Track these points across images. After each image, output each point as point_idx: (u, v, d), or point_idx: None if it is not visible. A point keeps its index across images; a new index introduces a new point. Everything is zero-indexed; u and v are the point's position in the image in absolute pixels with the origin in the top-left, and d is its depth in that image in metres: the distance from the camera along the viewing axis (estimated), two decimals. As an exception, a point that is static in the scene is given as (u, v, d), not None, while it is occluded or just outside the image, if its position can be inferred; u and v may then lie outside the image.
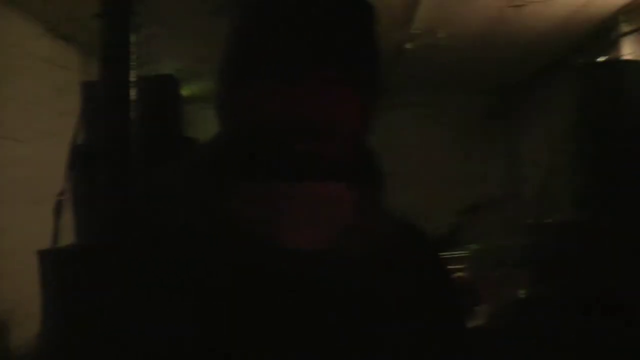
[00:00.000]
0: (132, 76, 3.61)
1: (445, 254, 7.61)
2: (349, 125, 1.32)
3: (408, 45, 9.58)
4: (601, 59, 6.14)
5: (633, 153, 4.38)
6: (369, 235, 1.34)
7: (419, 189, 13.74)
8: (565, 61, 9.90)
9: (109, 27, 3.68)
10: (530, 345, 4.54)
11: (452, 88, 13.59)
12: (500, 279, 7.66)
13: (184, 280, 1.24)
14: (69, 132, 5.34)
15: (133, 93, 3.63)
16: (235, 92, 1.34)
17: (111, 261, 1.30)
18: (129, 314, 1.22)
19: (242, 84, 1.32)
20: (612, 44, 8.68)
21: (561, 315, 4.32)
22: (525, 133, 13.86)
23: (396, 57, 10.70)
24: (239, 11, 1.37)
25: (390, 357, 1.30)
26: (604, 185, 4.48)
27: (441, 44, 8.82)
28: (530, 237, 9.33)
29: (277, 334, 1.24)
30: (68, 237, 4.63)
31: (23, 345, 6.01)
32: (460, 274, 8.63)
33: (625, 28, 8.49)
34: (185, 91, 5.23)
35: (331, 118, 1.28)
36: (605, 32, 8.95)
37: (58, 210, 5.27)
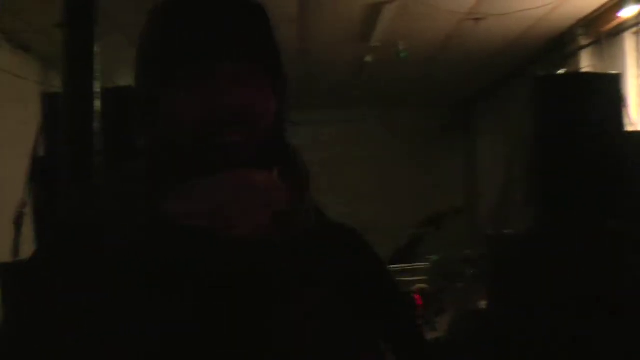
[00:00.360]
0: (96, 87, 3.59)
1: (405, 265, 7.60)
2: (266, 113, 1.36)
3: (367, 59, 9.63)
4: (559, 71, 6.21)
5: (588, 165, 4.42)
6: (303, 219, 1.38)
7: (377, 200, 13.80)
8: (523, 74, 10.00)
9: (72, 38, 3.65)
10: (489, 356, 4.56)
11: (411, 100, 13.66)
12: (460, 290, 7.70)
13: (130, 283, 1.25)
14: (29, 143, 5.31)
15: (96, 105, 3.61)
16: (153, 93, 1.37)
17: (54, 273, 1.31)
18: (77, 325, 1.22)
19: (158, 85, 1.35)
20: (570, 57, 8.78)
21: (520, 326, 4.34)
22: (483, 145, 13.97)
23: (356, 70, 10.76)
24: (149, 17, 1.41)
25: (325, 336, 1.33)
26: (558, 197, 4.52)
27: (400, 57, 8.87)
28: (489, 248, 9.40)
29: (220, 322, 1.27)
30: (29, 250, 4.58)
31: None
32: (421, 285, 8.66)
33: (583, 41, 8.59)
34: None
35: (248, 107, 1.31)
36: (563, 45, 9.06)
37: (18, 222, 5.22)
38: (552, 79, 5.29)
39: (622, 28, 7.93)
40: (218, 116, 1.29)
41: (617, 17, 7.82)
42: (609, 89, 4.61)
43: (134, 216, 1.32)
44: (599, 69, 8.07)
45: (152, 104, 1.37)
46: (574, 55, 8.71)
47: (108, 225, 1.33)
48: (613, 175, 4.38)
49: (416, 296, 8.17)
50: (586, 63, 8.48)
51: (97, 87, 3.64)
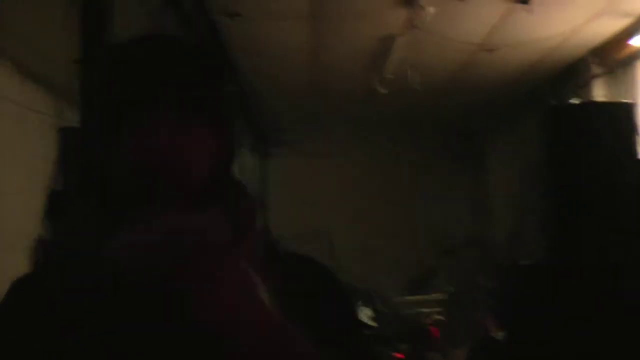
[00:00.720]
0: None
1: (422, 297, 7.59)
2: (202, 159, 1.36)
3: (380, 90, 9.64)
4: (572, 101, 6.21)
5: (602, 195, 4.41)
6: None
7: (388, 230, 13.75)
8: (535, 104, 9.99)
9: (90, 73, 3.68)
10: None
11: (423, 130, 13.66)
12: (477, 321, 7.66)
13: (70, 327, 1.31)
14: (44, 177, 5.32)
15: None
16: (91, 138, 1.40)
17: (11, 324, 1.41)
18: None
19: (96, 130, 1.37)
20: (583, 86, 8.76)
21: (537, 356, 4.32)
22: (496, 174, 13.93)
23: (369, 101, 10.77)
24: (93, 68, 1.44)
25: None
26: (572, 228, 4.50)
27: (413, 88, 8.89)
28: (505, 279, 9.35)
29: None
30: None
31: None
32: (437, 316, 8.64)
33: (595, 70, 8.58)
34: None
35: (180, 154, 1.32)
36: (575, 74, 9.05)
37: (35, 256, 5.23)
38: (564, 108, 5.28)
39: (635, 56, 7.93)
40: (150, 165, 1.30)
41: (630, 46, 7.83)
42: (622, 118, 4.60)
43: (77, 259, 1.38)
44: (612, 97, 8.05)
45: (91, 148, 1.41)
46: (586, 84, 8.69)
47: (54, 270, 1.41)
48: (626, 204, 4.37)
49: (433, 328, 8.15)
50: (599, 92, 8.46)
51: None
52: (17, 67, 8.27)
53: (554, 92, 9.54)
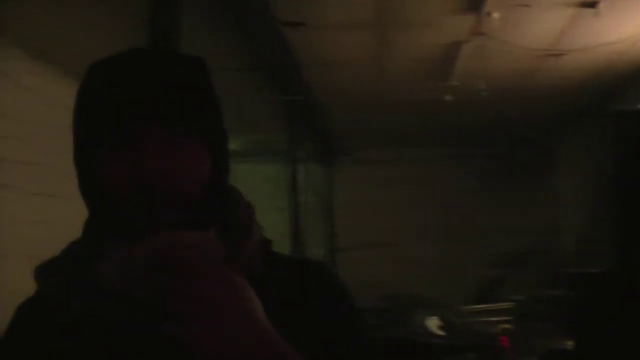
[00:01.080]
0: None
1: (488, 306, 7.51)
2: (195, 175, 1.33)
3: (447, 97, 9.59)
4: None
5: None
6: (239, 272, 1.31)
7: (450, 239, 13.68)
8: (603, 109, 9.86)
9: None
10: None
11: (487, 138, 13.56)
12: (547, 330, 7.56)
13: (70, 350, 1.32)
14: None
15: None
16: (83, 158, 1.37)
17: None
18: None
19: (87, 149, 1.35)
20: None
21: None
22: (562, 182, 13.78)
23: (434, 109, 10.72)
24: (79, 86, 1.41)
25: None
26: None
27: (480, 95, 8.82)
28: (574, 288, 9.22)
29: None
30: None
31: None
32: (505, 325, 8.54)
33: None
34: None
35: (173, 172, 1.29)
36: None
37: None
38: (634, 114, 5.20)
39: None
40: (142, 182, 1.28)
41: None
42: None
43: (74, 281, 1.37)
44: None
45: (84, 168, 1.39)
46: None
47: (53, 294, 1.40)
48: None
49: (502, 337, 8.06)
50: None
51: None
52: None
53: (623, 97, 9.40)
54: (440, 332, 8.97)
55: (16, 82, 6.90)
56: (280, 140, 10.95)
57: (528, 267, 11.98)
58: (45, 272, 1.49)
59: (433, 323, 9.08)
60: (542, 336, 7.62)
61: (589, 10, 6.90)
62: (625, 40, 7.84)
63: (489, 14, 6.90)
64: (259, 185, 11.18)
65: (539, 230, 13.74)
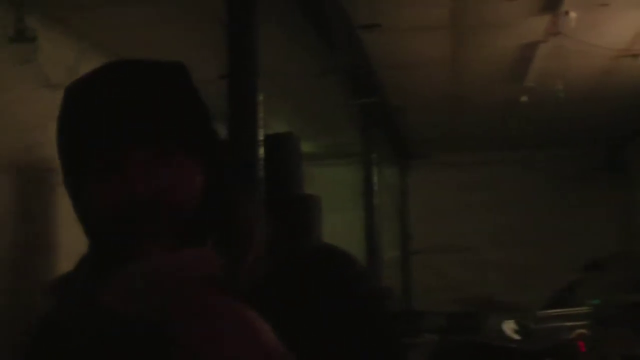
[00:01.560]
0: (260, 135, 3.66)
1: (565, 310, 7.42)
2: (187, 193, 1.30)
3: (523, 99, 9.51)
4: None
5: None
6: (240, 282, 1.28)
7: (527, 244, 13.54)
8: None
9: (236, 88, 3.74)
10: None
11: (564, 140, 13.39)
12: (625, 335, 7.46)
13: None
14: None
15: (260, 152, 3.68)
16: (71, 182, 1.36)
17: None
18: None
19: (74, 174, 1.34)
20: None
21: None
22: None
23: (509, 112, 10.63)
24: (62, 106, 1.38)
25: None
26: None
27: (556, 96, 8.73)
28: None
29: None
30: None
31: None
32: (581, 330, 8.43)
33: None
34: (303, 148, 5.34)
35: (163, 193, 1.26)
36: None
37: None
38: None
39: None
40: (131, 206, 1.26)
41: None
42: None
43: (75, 307, 1.36)
44: None
45: (74, 193, 1.37)
46: None
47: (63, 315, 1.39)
48: None
49: (579, 343, 7.95)
50: None
51: (260, 135, 3.72)
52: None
53: None
54: (516, 337, 8.89)
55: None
56: (355, 143, 10.95)
57: (607, 272, 11.81)
58: (58, 290, 1.48)
59: (509, 327, 9.01)
60: (619, 342, 7.52)
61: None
62: None
63: (566, 13, 6.84)
64: (333, 188, 11.21)
65: (618, 233, 13.54)
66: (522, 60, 8.29)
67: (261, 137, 3.75)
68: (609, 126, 12.46)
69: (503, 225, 13.80)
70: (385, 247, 11.75)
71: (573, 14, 6.81)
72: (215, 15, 4.71)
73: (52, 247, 6.27)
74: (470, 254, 13.57)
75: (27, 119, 5.99)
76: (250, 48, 4.01)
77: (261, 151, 3.75)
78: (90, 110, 1.31)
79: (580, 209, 13.83)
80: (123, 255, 1.27)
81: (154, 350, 1.23)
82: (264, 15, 4.95)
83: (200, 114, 1.38)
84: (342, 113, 10.04)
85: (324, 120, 10.70)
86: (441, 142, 13.12)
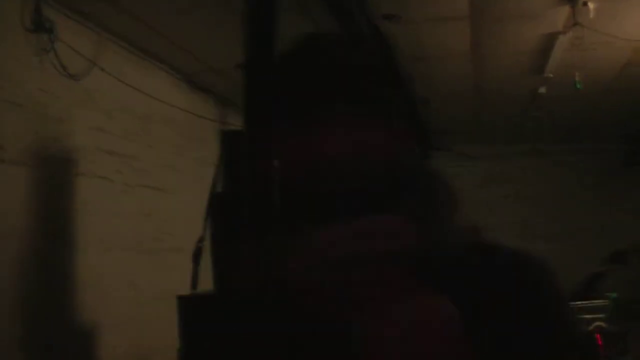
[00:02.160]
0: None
1: (584, 302, 7.44)
2: (379, 158, 1.27)
3: (541, 90, 9.48)
4: None
5: None
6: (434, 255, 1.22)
7: (553, 238, 13.49)
8: None
9: (252, 78, 3.74)
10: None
11: (587, 133, 13.33)
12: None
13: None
14: (207, 179, 5.45)
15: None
16: (259, 138, 1.35)
17: (234, 309, 1.32)
18: None
19: (265, 129, 1.33)
20: None
21: None
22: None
23: (530, 103, 10.59)
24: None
25: None
26: None
27: (576, 87, 8.68)
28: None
29: None
30: (207, 283, 4.71)
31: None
32: (600, 323, 8.41)
33: None
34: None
35: (353, 154, 1.24)
36: None
37: (196, 257, 5.37)
38: None
39: None
40: (323, 165, 1.24)
41: None
42: None
43: (260, 272, 1.29)
44: None
45: (262, 151, 1.35)
46: None
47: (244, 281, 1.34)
48: None
49: (597, 335, 7.94)
50: None
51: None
52: (184, 76, 8.53)
53: None
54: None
55: (118, 77, 7.05)
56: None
57: (629, 265, 11.76)
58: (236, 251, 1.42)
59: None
60: (636, 335, 7.51)
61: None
62: None
63: (584, 4, 6.81)
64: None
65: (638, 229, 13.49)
66: (542, 52, 8.27)
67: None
68: (632, 119, 12.39)
69: (525, 218, 13.77)
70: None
71: (592, 5, 6.78)
72: (236, 4, 4.72)
73: (71, 238, 6.30)
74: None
75: (46, 110, 6.02)
76: (269, 38, 4.00)
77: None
78: (291, 69, 1.35)
79: (604, 203, 13.79)
80: (313, 217, 1.24)
81: (334, 339, 1.18)
82: (285, 5, 4.94)
83: (400, 89, 1.38)
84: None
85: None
86: (462, 134, 13.08)
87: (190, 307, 4.11)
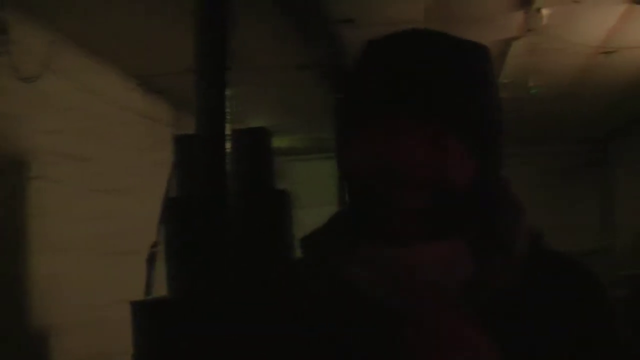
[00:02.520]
0: (227, 129, 3.66)
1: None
2: (457, 178, 1.21)
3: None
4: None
5: None
6: (490, 289, 1.22)
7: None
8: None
9: (205, 82, 3.74)
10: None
11: (542, 137, 13.43)
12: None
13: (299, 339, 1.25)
14: (164, 182, 5.42)
15: (228, 146, 3.68)
16: (340, 141, 1.30)
17: (208, 314, 1.32)
18: None
19: (345, 133, 1.28)
20: None
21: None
22: (623, 182, 13.60)
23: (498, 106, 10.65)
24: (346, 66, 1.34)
25: None
26: None
27: (531, 92, 8.75)
28: (632, 288, 9.12)
29: None
30: (160, 288, 4.69)
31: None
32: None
33: None
34: (276, 143, 5.30)
35: (434, 169, 1.19)
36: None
37: (151, 262, 5.33)
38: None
39: None
40: (392, 173, 1.19)
41: None
42: None
43: (318, 278, 1.30)
44: None
45: (340, 148, 1.31)
46: None
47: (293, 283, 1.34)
48: None
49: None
50: None
51: (228, 129, 3.72)
52: (139, 78, 8.48)
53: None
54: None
55: (73, 79, 6.99)
56: (333, 137, 10.96)
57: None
58: (307, 244, 1.38)
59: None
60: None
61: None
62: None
63: (538, 10, 6.86)
64: (312, 182, 11.21)
65: (597, 230, 13.62)
66: (497, 57, 8.31)
67: (228, 132, 3.75)
68: (590, 122, 12.50)
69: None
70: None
71: (545, 11, 6.83)
72: (189, 6, 4.69)
73: (25, 242, 6.24)
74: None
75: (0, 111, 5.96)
76: (220, 41, 3.99)
77: (228, 146, 3.75)
78: (374, 70, 1.26)
79: (563, 204, 13.89)
80: (378, 226, 1.22)
81: (382, 337, 1.19)
82: (239, 7, 4.93)
83: (488, 99, 1.30)
84: (321, 107, 10.05)
85: (304, 115, 10.69)
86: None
87: (144, 312, 4.09)
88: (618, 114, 11.76)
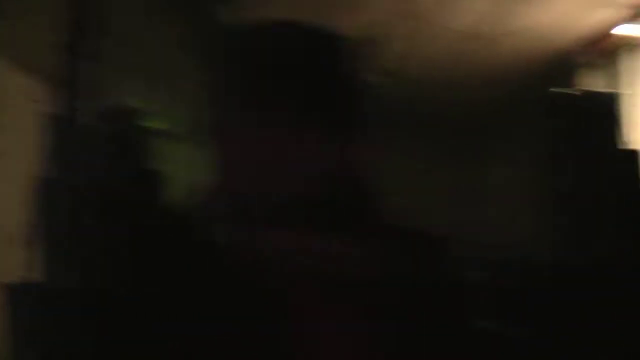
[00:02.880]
0: (96, 108, 3.59)
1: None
2: (321, 166, 1.26)
3: (372, 80, 9.58)
4: (568, 90, 6.15)
5: (610, 185, 4.38)
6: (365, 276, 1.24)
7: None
8: (530, 94, 9.94)
9: (73, 59, 3.66)
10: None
11: (419, 123, 13.60)
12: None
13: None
14: (27, 164, 5.30)
15: (97, 125, 3.61)
16: (218, 138, 1.37)
17: (85, 302, 1.32)
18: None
19: (223, 130, 1.34)
20: (578, 75, 8.72)
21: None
22: (495, 169, 13.87)
23: (361, 93, 10.71)
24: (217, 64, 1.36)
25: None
26: (574, 222, 4.47)
27: (405, 78, 8.85)
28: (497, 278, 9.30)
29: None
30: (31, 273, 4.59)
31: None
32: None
33: (590, 59, 8.54)
34: (148, 124, 5.22)
35: (298, 161, 1.24)
36: (570, 63, 9.00)
37: (28, 243, 5.21)
38: (561, 98, 5.25)
39: (623, 46, 7.91)
40: (268, 168, 1.24)
41: (616, 35, 7.81)
42: (611, 107, 4.60)
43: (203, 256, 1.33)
44: (609, 87, 8.02)
45: (216, 147, 1.38)
46: (582, 73, 8.66)
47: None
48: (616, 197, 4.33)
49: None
50: (592, 81, 8.43)
51: (97, 108, 3.65)
52: (8, 56, 8.28)
53: (550, 82, 9.48)
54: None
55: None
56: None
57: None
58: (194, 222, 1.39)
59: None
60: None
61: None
62: (548, 25, 7.91)
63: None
64: (191, 165, 11.12)
65: (470, 216, 13.87)
66: (370, 41, 8.35)
67: (98, 111, 3.68)
68: (466, 110, 12.69)
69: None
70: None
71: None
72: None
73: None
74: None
75: None
76: (92, 17, 3.91)
77: (98, 125, 3.68)
78: (248, 66, 1.30)
79: (438, 192, 14.13)
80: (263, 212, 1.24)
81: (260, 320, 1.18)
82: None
83: (348, 91, 1.39)
84: (201, 87, 10.00)
85: (185, 95, 10.61)
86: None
87: (21, 296, 3.99)
88: (487, 100, 11.96)
